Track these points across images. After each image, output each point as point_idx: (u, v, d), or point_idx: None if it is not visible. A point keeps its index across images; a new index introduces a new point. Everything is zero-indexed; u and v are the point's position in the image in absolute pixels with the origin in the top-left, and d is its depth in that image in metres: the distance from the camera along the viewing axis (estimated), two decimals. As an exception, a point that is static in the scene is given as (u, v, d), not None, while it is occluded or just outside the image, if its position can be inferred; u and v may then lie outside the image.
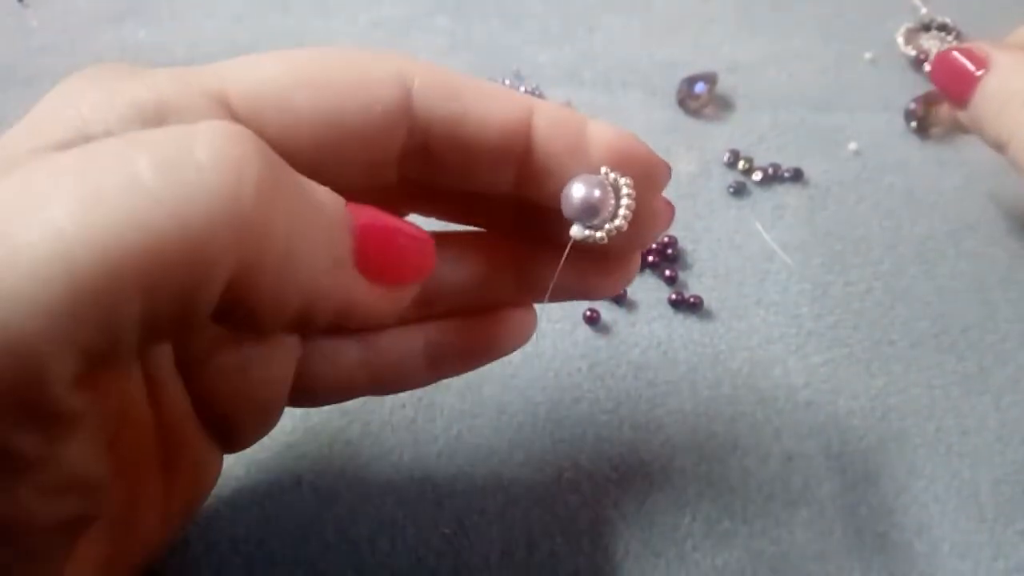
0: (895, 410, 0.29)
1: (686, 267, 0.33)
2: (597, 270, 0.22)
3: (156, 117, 0.17)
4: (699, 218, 0.34)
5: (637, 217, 0.19)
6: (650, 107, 0.38)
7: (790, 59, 0.40)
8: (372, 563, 0.24)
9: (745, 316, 0.31)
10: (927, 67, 0.39)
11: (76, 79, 0.18)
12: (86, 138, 0.16)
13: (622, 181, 0.19)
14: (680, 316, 0.31)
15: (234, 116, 0.18)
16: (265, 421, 0.22)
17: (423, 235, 0.18)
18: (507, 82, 0.38)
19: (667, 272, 0.32)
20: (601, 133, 0.19)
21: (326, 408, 0.27)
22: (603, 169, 0.19)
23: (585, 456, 0.27)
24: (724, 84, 0.38)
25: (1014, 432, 0.28)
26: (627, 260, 0.22)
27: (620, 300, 0.31)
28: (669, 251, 0.33)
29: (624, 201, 0.19)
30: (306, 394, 0.22)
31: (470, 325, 0.22)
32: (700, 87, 0.37)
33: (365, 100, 0.18)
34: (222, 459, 0.22)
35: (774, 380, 0.29)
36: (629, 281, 0.23)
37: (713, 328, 0.31)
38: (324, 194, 0.17)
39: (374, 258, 0.17)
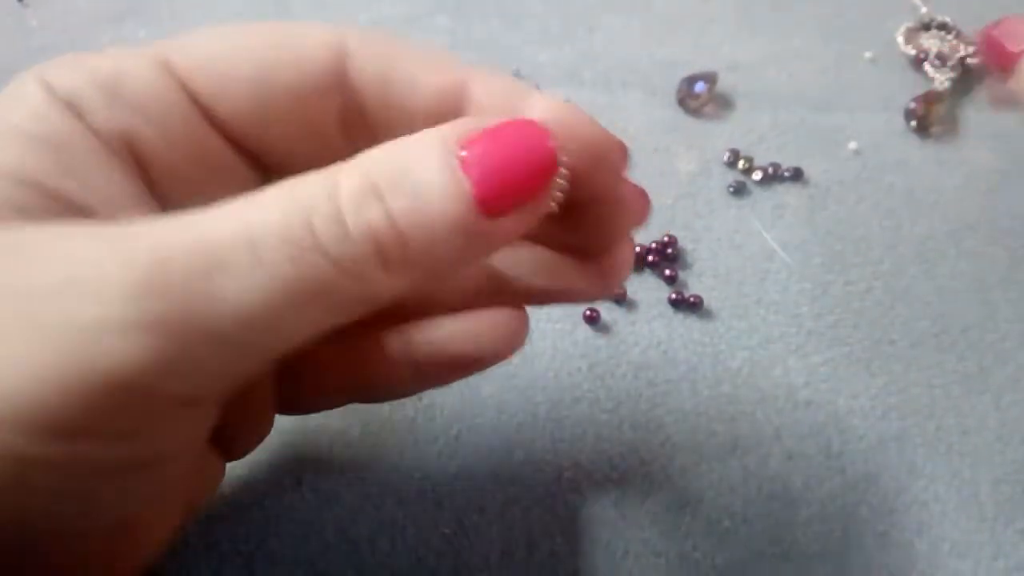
0: (895, 409, 0.29)
1: (686, 266, 0.33)
2: (581, 271, 0.21)
3: (113, 80, 0.18)
4: (699, 217, 0.34)
5: (600, 206, 0.18)
6: (650, 107, 0.37)
7: (790, 59, 0.40)
8: (372, 563, 0.24)
9: (745, 315, 0.31)
10: (927, 67, 0.39)
11: (37, 67, 0.18)
12: (54, 98, 0.17)
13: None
14: (680, 316, 0.31)
15: (179, 82, 0.18)
16: (259, 430, 0.22)
17: (539, 136, 0.16)
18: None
19: (667, 271, 0.32)
20: (542, 106, 0.18)
21: (326, 408, 0.27)
22: None
23: (585, 456, 0.27)
24: (724, 84, 0.38)
25: (1014, 432, 0.28)
26: (612, 260, 0.21)
27: (620, 300, 0.31)
28: (669, 251, 0.33)
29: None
30: (293, 403, 0.22)
31: (456, 328, 0.21)
32: (700, 87, 0.37)
33: (297, 60, 0.18)
34: (224, 467, 0.22)
35: (774, 379, 0.29)
36: (618, 282, 0.21)
37: (713, 328, 0.31)
38: (434, 179, 0.15)
39: (494, 202, 0.15)
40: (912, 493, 0.27)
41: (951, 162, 0.36)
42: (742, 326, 0.31)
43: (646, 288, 0.32)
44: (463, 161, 0.15)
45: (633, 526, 0.25)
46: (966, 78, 0.39)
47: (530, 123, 0.16)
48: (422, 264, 0.16)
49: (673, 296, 0.31)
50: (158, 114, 0.18)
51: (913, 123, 0.37)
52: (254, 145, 0.19)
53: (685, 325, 0.31)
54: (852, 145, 0.37)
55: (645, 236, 0.33)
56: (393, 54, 0.19)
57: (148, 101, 0.18)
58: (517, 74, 0.39)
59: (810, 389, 0.29)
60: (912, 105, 0.37)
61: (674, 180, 0.35)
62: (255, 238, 0.14)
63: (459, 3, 0.43)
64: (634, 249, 0.21)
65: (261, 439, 0.22)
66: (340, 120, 0.19)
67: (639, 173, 0.35)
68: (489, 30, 0.38)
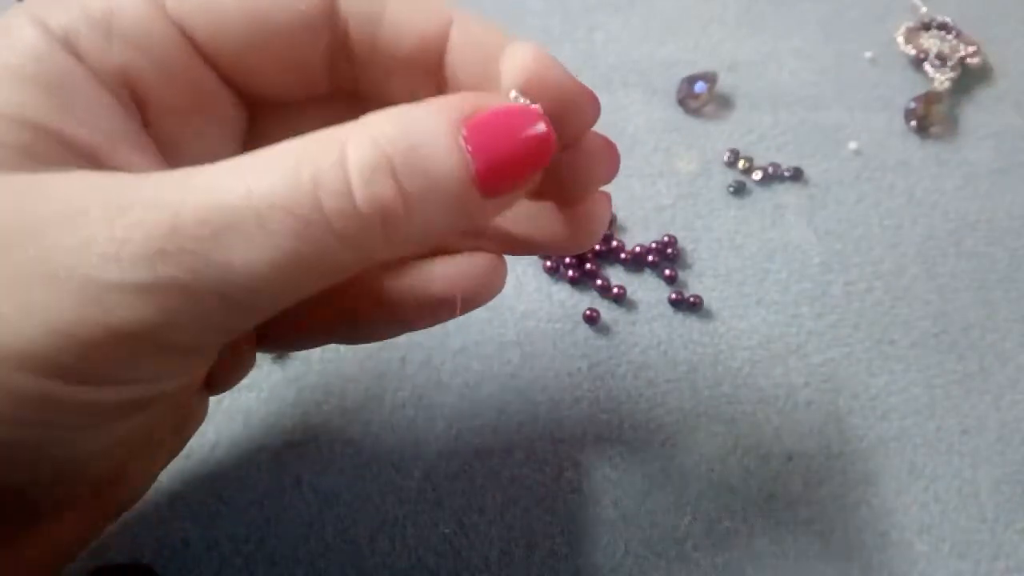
0: (895, 409, 0.29)
1: (686, 266, 0.33)
2: (558, 222, 0.21)
3: (106, 18, 0.18)
4: (699, 217, 0.34)
5: (571, 155, 0.18)
6: (650, 107, 0.37)
7: (790, 58, 0.40)
8: (372, 563, 0.24)
9: (745, 315, 0.31)
10: (927, 67, 0.39)
11: (25, 3, 0.18)
12: (51, 37, 0.17)
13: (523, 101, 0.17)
14: (680, 316, 0.31)
15: (168, 16, 0.19)
16: (242, 367, 0.22)
17: (538, 126, 0.17)
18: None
19: (667, 271, 0.32)
20: (517, 55, 0.18)
21: (326, 408, 0.27)
22: (512, 93, 0.17)
23: (585, 456, 0.27)
24: (724, 83, 0.38)
25: (1014, 432, 0.28)
26: (585, 211, 0.21)
27: (620, 300, 0.31)
28: (669, 250, 0.33)
29: None
30: (275, 341, 0.22)
31: (435, 271, 0.21)
32: (700, 86, 0.37)
33: None
34: (208, 403, 0.22)
35: (774, 379, 0.29)
36: (592, 235, 0.21)
37: (713, 327, 0.31)
38: (444, 160, 0.16)
39: (493, 184, 0.16)
40: (912, 493, 0.27)
41: (951, 162, 0.36)
42: (742, 326, 0.31)
43: (646, 288, 0.32)
44: (466, 141, 0.16)
45: (633, 526, 0.25)
46: (966, 78, 0.39)
47: (531, 112, 0.17)
48: (420, 236, 0.16)
49: (673, 296, 0.31)
50: (153, 51, 0.18)
51: (913, 123, 0.37)
52: (242, 79, 0.20)
53: (685, 325, 0.31)
54: (852, 145, 0.37)
55: (645, 236, 0.33)
56: None
57: (142, 38, 0.18)
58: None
59: (810, 389, 0.29)
60: (912, 105, 0.37)
61: (674, 180, 0.35)
62: (261, 208, 0.15)
63: (459, 3, 0.43)
64: (609, 204, 0.21)
65: (244, 375, 0.22)
66: (326, 56, 0.19)
67: (639, 173, 0.35)
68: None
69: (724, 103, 0.38)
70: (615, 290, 0.31)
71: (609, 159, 0.20)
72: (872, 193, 0.35)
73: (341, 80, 0.20)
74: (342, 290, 0.20)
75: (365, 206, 0.15)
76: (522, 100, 0.17)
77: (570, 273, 0.32)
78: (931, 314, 0.31)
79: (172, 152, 0.19)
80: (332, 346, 0.29)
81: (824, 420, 0.28)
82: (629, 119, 0.37)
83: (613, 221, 0.34)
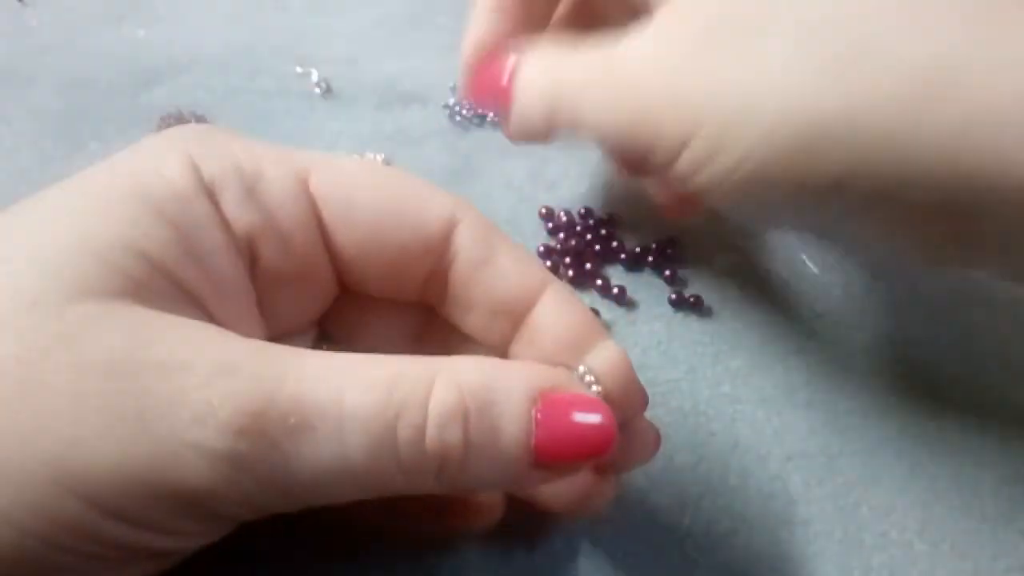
0: (896, 409, 0.29)
1: (686, 266, 0.33)
2: (577, 486, 0.22)
3: (254, 179, 0.20)
4: (699, 216, 0.34)
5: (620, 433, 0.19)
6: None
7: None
8: (372, 563, 0.24)
9: (745, 315, 0.31)
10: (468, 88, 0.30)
11: (178, 131, 0.20)
12: (199, 183, 0.19)
13: (594, 388, 0.20)
14: (680, 315, 0.31)
15: (310, 195, 0.20)
16: None
17: (607, 423, 0.18)
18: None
19: (667, 271, 0.32)
20: (608, 354, 0.20)
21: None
22: (581, 368, 0.20)
23: (585, 456, 0.27)
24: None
25: (1015, 431, 0.28)
26: (606, 480, 0.22)
27: (620, 299, 0.31)
28: (669, 250, 0.33)
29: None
30: None
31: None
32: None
33: (417, 219, 0.21)
34: None
35: (774, 379, 0.29)
36: (604, 503, 0.23)
37: (713, 327, 0.31)
38: (513, 423, 0.17)
39: (548, 459, 0.18)
40: (913, 493, 0.27)
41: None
42: (742, 326, 0.31)
43: (646, 288, 0.32)
44: (537, 413, 0.17)
45: (632, 526, 0.25)
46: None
47: (602, 407, 0.18)
48: (467, 484, 0.17)
49: (673, 296, 0.31)
50: (285, 220, 0.20)
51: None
52: (348, 266, 0.21)
53: (685, 325, 0.31)
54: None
55: (646, 236, 0.33)
56: (495, 244, 0.21)
57: (279, 206, 0.20)
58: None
59: (810, 389, 0.29)
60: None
61: (674, 179, 0.35)
62: (344, 418, 0.16)
63: (459, 3, 0.43)
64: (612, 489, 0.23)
65: None
66: (426, 274, 0.21)
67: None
68: (489, 29, 0.38)
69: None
70: (615, 290, 0.31)
71: (651, 443, 0.22)
72: (872, 192, 0.35)
73: (429, 295, 0.22)
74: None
75: (431, 446, 0.16)
76: (588, 378, 0.20)
77: (570, 273, 0.32)
78: (932, 313, 0.31)
79: (264, 305, 0.21)
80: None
81: (824, 420, 0.28)
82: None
83: (614, 221, 0.34)
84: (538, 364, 0.19)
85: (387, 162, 0.35)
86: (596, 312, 0.30)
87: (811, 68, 0.19)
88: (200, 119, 0.36)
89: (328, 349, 0.24)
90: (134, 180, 0.18)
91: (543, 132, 0.26)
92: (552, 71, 0.25)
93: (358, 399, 0.16)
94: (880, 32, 0.19)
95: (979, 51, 0.18)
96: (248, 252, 0.20)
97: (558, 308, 0.21)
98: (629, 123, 0.23)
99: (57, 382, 0.15)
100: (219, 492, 0.16)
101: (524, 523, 0.24)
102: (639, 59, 0.23)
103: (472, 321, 0.22)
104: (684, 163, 0.22)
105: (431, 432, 0.16)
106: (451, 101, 0.38)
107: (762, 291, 0.32)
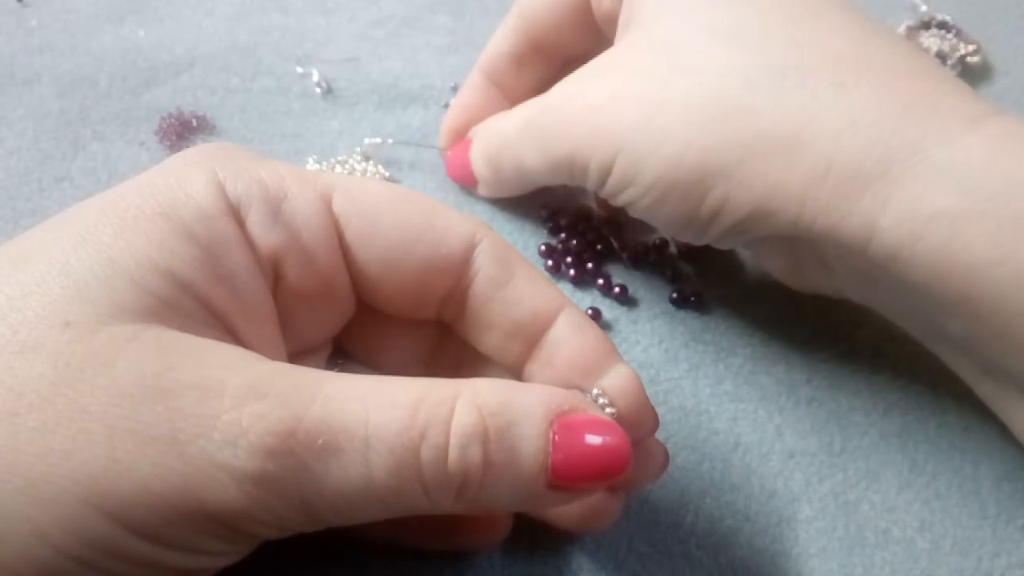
0: (897, 406, 0.29)
1: (687, 264, 0.33)
2: (579, 508, 0.22)
3: (278, 199, 0.20)
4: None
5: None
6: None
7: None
8: (372, 563, 0.24)
9: (747, 313, 0.31)
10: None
11: (203, 149, 0.21)
12: (224, 202, 0.19)
13: (608, 411, 0.20)
14: (682, 313, 0.31)
15: (333, 215, 0.21)
16: None
17: (622, 445, 0.18)
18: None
19: (668, 270, 0.32)
20: (622, 376, 0.21)
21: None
22: (595, 391, 0.21)
23: (587, 454, 0.27)
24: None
25: (1016, 429, 0.28)
26: (614, 498, 0.23)
27: (622, 298, 0.31)
28: (670, 249, 0.33)
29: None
30: None
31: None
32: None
33: (437, 242, 0.21)
34: None
35: (776, 377, 0.29)
36: (611, 520, 0.23)
37: (715, 325, 0.31)
38: (530, 444, 0.18)
39: (563, 480, 0.18)
40: (914, 490, 0.27)
41: (951, 160, 0.36)
42: (743, 324, 0.31)
43: (648, 286, 0.32)
44: (554, 435, 0.18)
45: (635, 525, 0.25)
46: (966, 77, 0.39)
47: (618, 431, 0.18)
48: (484, 502, 0.18)
49: (675, 294, 0.31)
50: (309, 239, 0.20)
51: (913, 121, 0.37)
52: (367, 285, 0.22)
53: (686, 323, 0.31)
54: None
55: (647, 235, 0.33)
56: (513, 266, 0.22)
57: (303, 226, 0.20)
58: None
59: (812, 386, 0.29)
60: (912, 103, 0.37)
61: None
62: (370, 438, 0.16)
63: (459, 2, 0.43)
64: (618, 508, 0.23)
65: None
66: (445, 294, 0.22)
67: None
68: (490, 28, 0.38)
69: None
70: (616, 288, 0.31)
71: (659, 462, 0.23)
72: (873, 191, 0.35)
73: (445, 314, 0.23)
74: None
75: (453, 466, 0.17)
76: (602, 400, 0.20)
77: (572, 272, 0.32)
78: (932, 312, 0.31)
79: (284, 322, 0.21)
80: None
81: (826, 417, 0.28)
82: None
83: (615, 220, 0.34)
84: (554, 387, 0.20)
85: (388, 168, 0.35)
86: (598, 311, 0.30)
87: (701, 119, 0.24)
88: (200, 119, 0.36)
89: (344, 365, 0.24)
90: (161, 200, 0.18)
91: (500, 185, 0.31)
92: (491, 132, 0.30)
93: (383, 420, 0.17)
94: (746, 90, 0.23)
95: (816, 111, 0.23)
96: (272, 271, 0.20)
97: (573, 331, 0.21)
98: (568, 154, 0.26)
99: (90, 404, 0.16)
100: (248, 512, 0.16)
101: (527, 522, 0.24)
102: (569, 97, 0.27)
103: (488, 341, 0.22)
104: (608, 187, 0.26)
105: (453, 453, 0.17)
106: (451, 101, 0.38)
107: (763, 289, 0.32)
